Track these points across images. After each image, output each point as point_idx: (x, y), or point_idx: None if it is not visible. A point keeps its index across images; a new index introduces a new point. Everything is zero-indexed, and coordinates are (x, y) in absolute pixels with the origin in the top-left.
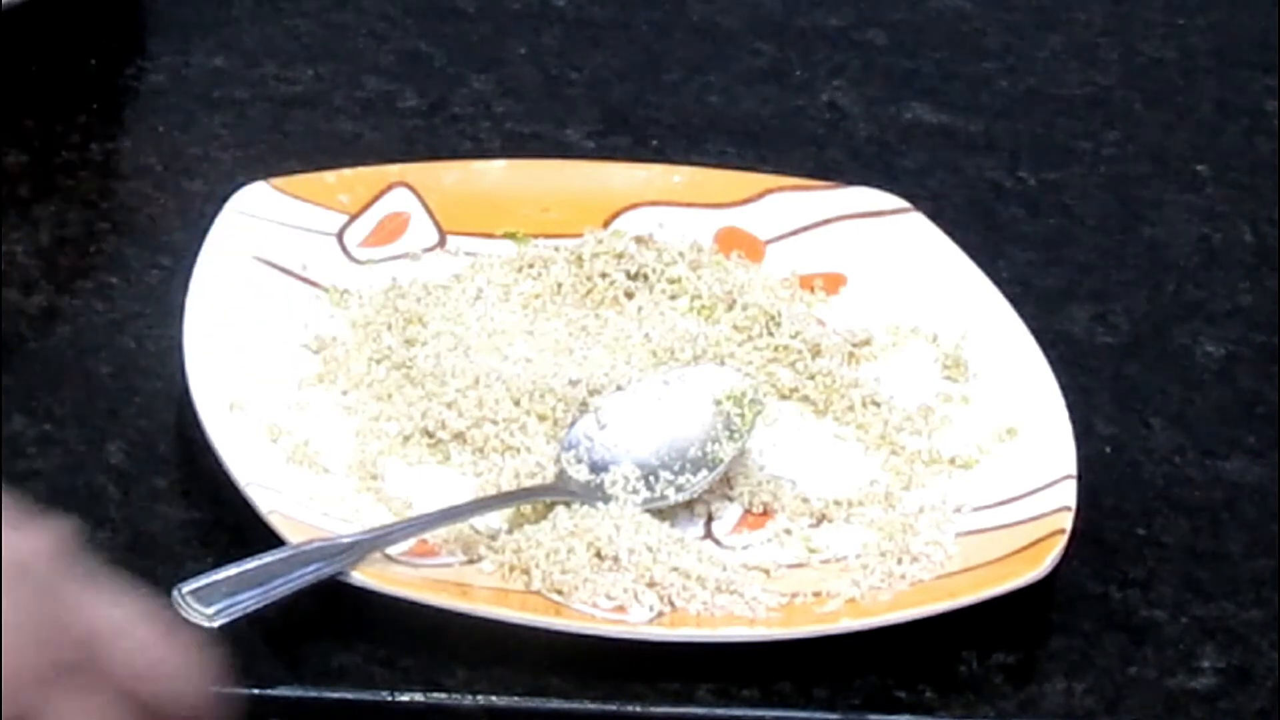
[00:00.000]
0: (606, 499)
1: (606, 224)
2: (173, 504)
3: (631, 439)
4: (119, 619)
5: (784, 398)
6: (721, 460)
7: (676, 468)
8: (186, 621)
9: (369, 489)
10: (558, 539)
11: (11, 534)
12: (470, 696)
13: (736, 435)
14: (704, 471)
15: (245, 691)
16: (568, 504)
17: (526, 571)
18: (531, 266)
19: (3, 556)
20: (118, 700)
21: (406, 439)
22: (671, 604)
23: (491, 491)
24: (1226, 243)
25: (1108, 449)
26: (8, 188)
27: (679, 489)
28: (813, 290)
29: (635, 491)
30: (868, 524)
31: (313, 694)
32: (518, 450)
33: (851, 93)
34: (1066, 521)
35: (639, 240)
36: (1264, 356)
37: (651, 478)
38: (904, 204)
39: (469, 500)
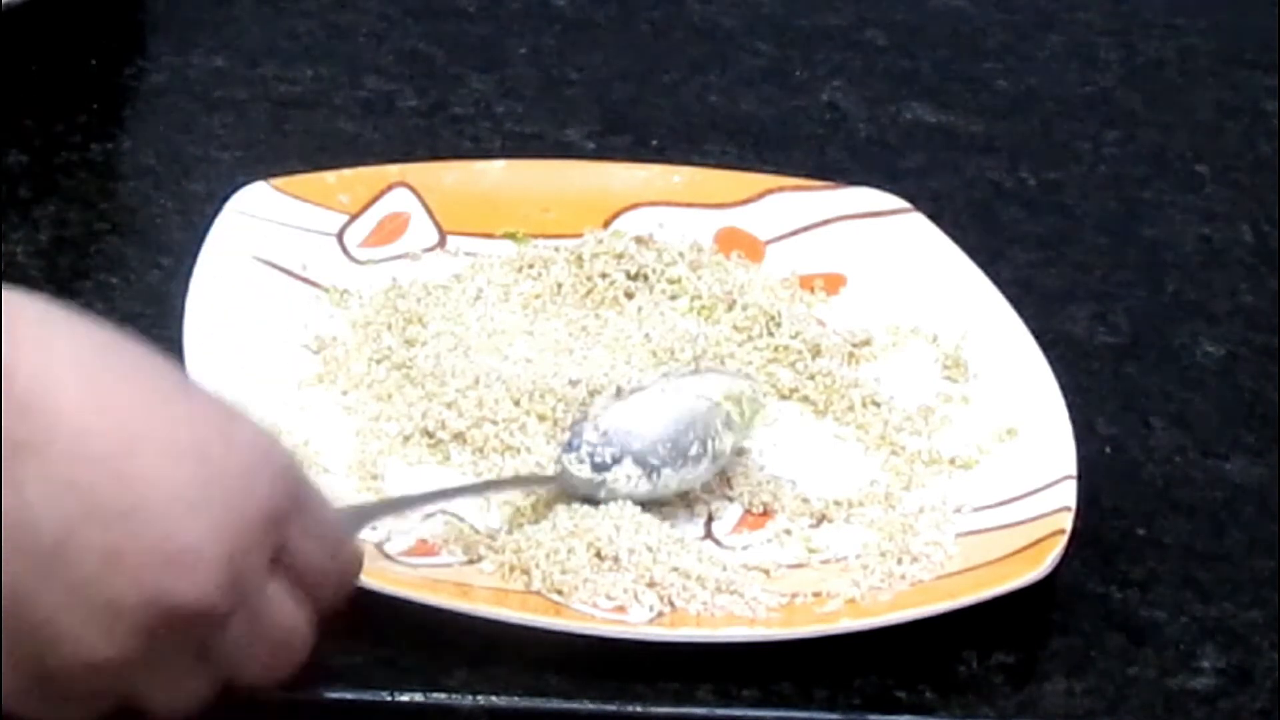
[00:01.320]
0: (608, 496)
1: (606, 224)
2: None
3: (632, 437)
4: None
5: (784, 398)
6: (722, 453)
7: (677, 464)
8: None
9: (369, 489)
10: (558, 539)
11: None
12: (470, 696)
13: (736, 430)
14: (705, 464)
15: (245, 691)
16: (568, 502)
17: (526, 571)
18: (531, 267)
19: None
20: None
21: (406, 439)
22: (671, 604)
23: (493, 492)
24: (1226, 243)
25: (1108, 449)
26: (8, 188)
27: (680, 482)
28: (813, 290)
29: (636, 487)
30: (868, 524)
31: (313, 694)
32: (518, 450)
33: (851, 93)
34: (1066, 522)
35: (639, 240)
36: (1264, 356)
37: (653, 474)
38: (904, 204)
39: (466, 484)
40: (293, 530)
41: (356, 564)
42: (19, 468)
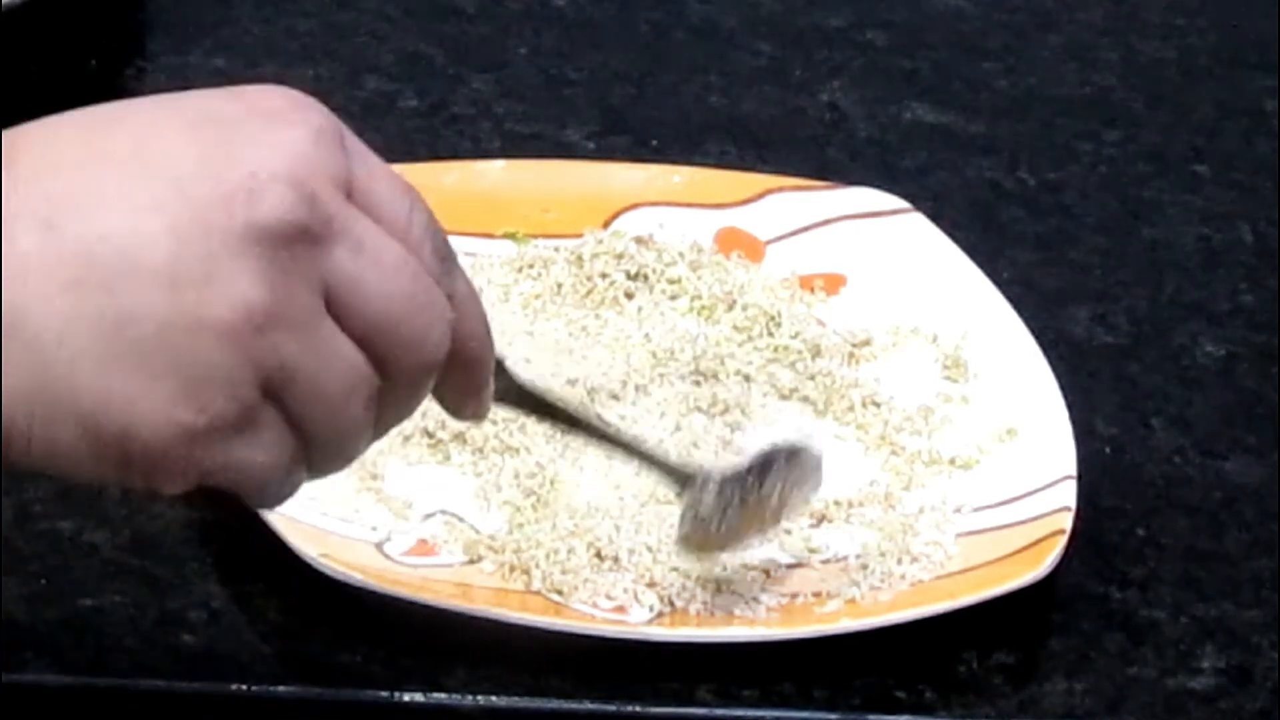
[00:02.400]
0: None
1: (606, 224)
2: (173, 504)
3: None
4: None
5: (784, 398)
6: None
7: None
8: None
9: (369, 489)
10: (558, 539)
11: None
12: (470, 696)
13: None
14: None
15: (245, 691)
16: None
17: (526, 571)
18: (531, 267)
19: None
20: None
21: (406, 439)
22: (671, 604)
23: (492, 492)
24: (1226, 243)
25: (1108, 449)
26: None
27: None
28: (813, 290)
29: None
30: (868, 524)
31: (313, 694)
32: (517, 450)
33: (851, 93)
34: (1066, 522)
35: (639, 240)
36: (1264, 356)
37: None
38: (904, 204)
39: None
40: (353, 160)
41: (438, 223)
42: (49, 216)
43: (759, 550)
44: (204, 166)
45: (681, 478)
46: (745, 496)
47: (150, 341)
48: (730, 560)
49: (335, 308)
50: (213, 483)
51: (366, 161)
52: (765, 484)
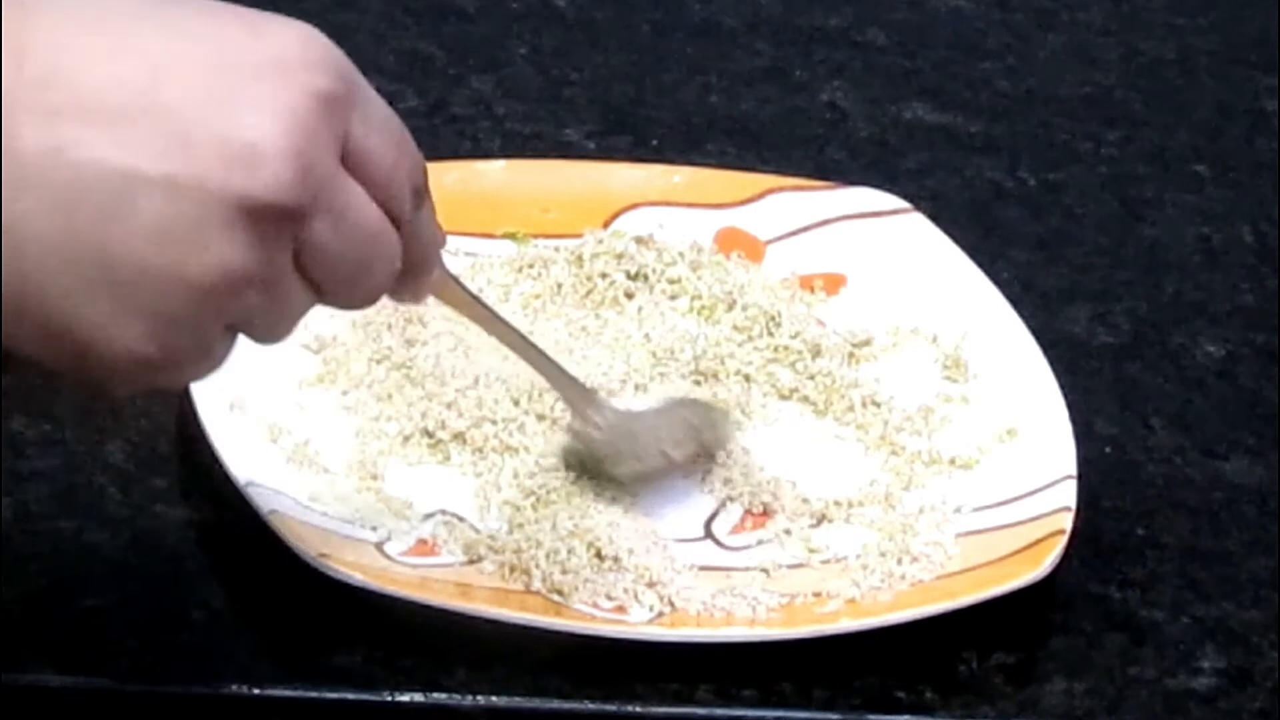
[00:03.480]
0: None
1: (606, 224)
2: (173, 504)
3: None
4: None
5: (784, 398)
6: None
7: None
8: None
9: (369, 489)
10: (558, 539)
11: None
12: (470, 696)
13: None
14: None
15: (245, 691)
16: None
17: (526, 571)
18: (531, 267)
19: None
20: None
21: (406, 439)
22: (671, 604)
23: (492, 492)
24: (1226, 243)
25: (1108, 449)
26: None
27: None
28: (813, 290)
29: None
30: (868, 524)
31: (313, 694)
32: (517, 450)
33: (851, 93)
34: (1066, 522)
35: (639, 240)
36: (1264, 356)
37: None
38: (904, 204)
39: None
40: (353, 120)
41: (421, 160)
42: (59, 132)
43: (759, 550)
44: (211, 121)
45: (582, 395)
46: (634, 427)
47: (128, 284)
48: (730, 560)
49: (301, 262)
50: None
51: (366, 114)
52: (661, 423)
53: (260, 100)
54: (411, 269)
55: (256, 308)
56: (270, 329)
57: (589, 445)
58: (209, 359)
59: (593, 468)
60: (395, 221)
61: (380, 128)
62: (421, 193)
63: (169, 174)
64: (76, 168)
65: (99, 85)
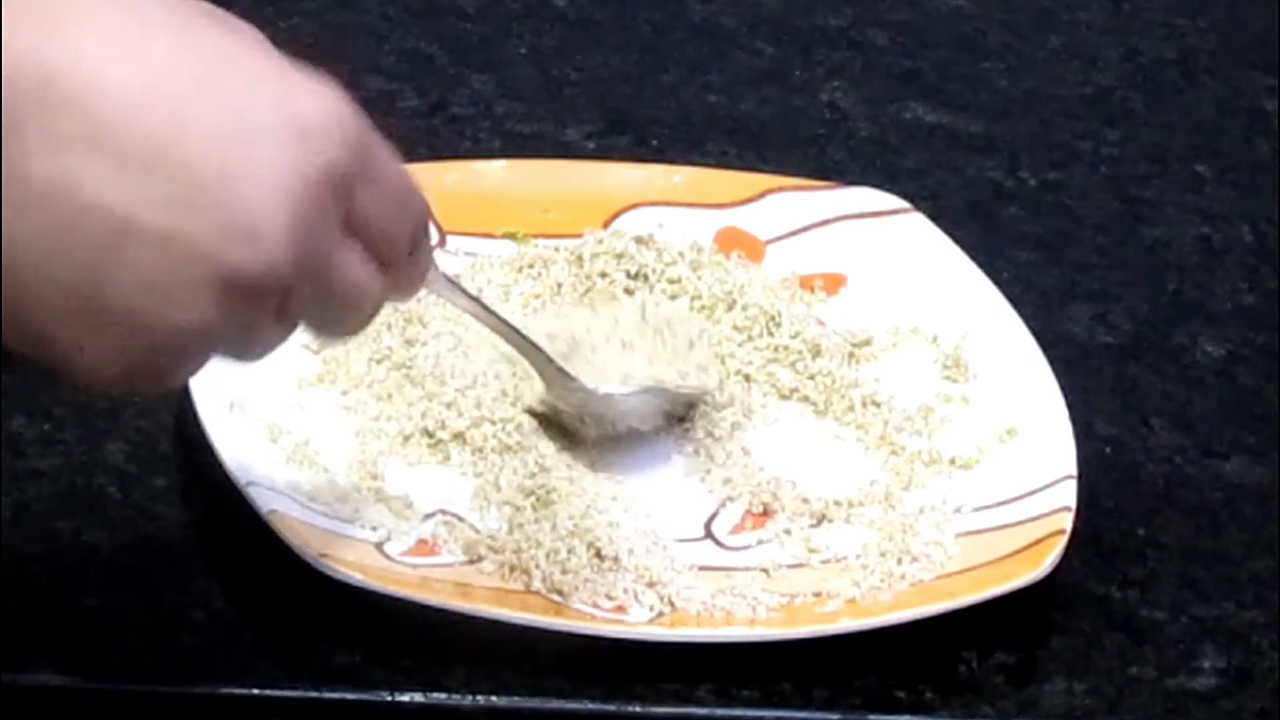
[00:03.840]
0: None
1: (606, 224)
2: (173, 504)
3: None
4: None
5: (784, 398)
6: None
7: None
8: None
9: (369, 489)
10: (558, 539)
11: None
12: (470, 696)
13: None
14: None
15: (245, 691)
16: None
17: (526, 571)
18: (531, 266)
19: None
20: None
21: (406, 439)
22: (671, 604)
23: (492, 492)
24: (1226, 243)
25: (1108, 449)
26: None
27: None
28: (813, 290)
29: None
30: (868, 524)
31: (313, 694)
32: (517, 450)
33: (851, 93)
34: (1066, 522)
35: (639, 240)
36: (1264, 356)
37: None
38: (904, 204)
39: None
40: (360, 192)
41: (426, 215)
42: (71, 161)
43: (759, 550)
44: (219, 188)
45: (559, 377)
46: (606, 413)
47: (109, 319)
48: (730, 560)
49: (284, 310)
50: None
51: (375, 181)
52: (634, 406)
53: (272, 170)
54: (398, 293)
55: (231, 347)
56: (242, 357)
57: (557, 413)
58: (184, 378)
59: (558, 426)
60: (385, 265)
61: (387, 193)
62: (420, 239)
63: (168, 231)
64: (81, 202)
65: (121, 125)
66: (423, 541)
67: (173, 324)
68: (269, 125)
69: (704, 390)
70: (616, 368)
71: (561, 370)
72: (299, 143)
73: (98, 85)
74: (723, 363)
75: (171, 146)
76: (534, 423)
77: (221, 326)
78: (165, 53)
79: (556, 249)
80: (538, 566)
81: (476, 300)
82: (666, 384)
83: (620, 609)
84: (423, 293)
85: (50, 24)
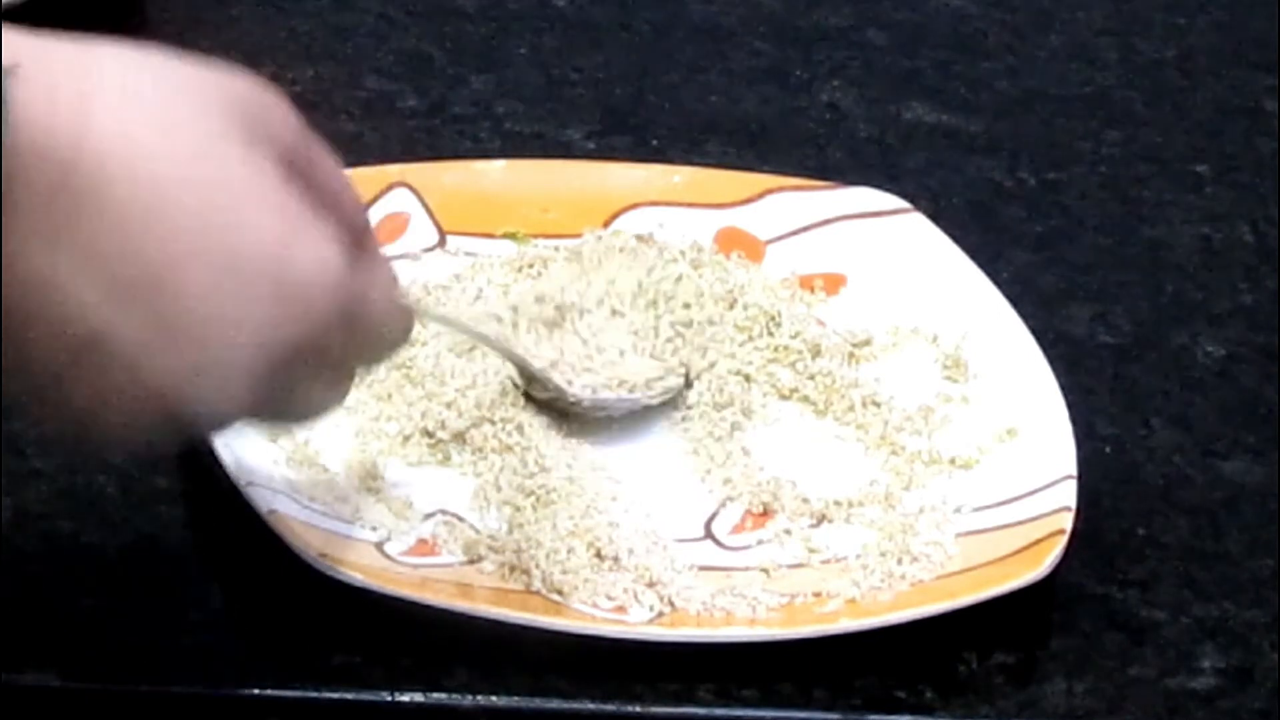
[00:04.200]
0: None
1: (606, 224)
2: (173, 504)
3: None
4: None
5: (784, 398)
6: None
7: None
8: None
9: (369, 489)
10: (558, 539)
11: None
12: (470, 696)
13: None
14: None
15: (245, 691)
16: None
17: (526, 571)
18: (531, 266)
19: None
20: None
21: (406, 439)
22: (671, 604)
23: (492, 492)
24: (1226, 243)
25: (1108, 449)
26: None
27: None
28: (813, 290)
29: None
30: (868, 524)
31: (313, 694)
32: (517, 450)
33: (851, 93)
34: (1066, 522)
35: (639, 239)
36: (1264, 356)
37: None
38: (904, 204)
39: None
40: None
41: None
42: (61, 261)
43: (759, 550)
44: (189, 334)
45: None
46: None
47: (54, 408)
48: (730, 560)
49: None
50: None
51: (364, 326)
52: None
53: (251, 333)
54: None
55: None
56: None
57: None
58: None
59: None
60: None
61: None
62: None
63: (131, 362)
64: (58, 302)
65: (120, 243)
66: (423, 541)
67: (119, 434)
68: (259, 283)
69: (672, 392)
70: (606, 335)
71: (538, 374)
72: (285, 307)
73: (111, 195)
74: (720, 361)
75: (162, 278)
76: (534, 422)
77: (268, 396)
78: (177, 171)
79: (556, 249)
80: (538, 566)
81: (445, 317)
82: (636, 394)
83: (620, 609)
84: (424, 294)
85: (81, 106)
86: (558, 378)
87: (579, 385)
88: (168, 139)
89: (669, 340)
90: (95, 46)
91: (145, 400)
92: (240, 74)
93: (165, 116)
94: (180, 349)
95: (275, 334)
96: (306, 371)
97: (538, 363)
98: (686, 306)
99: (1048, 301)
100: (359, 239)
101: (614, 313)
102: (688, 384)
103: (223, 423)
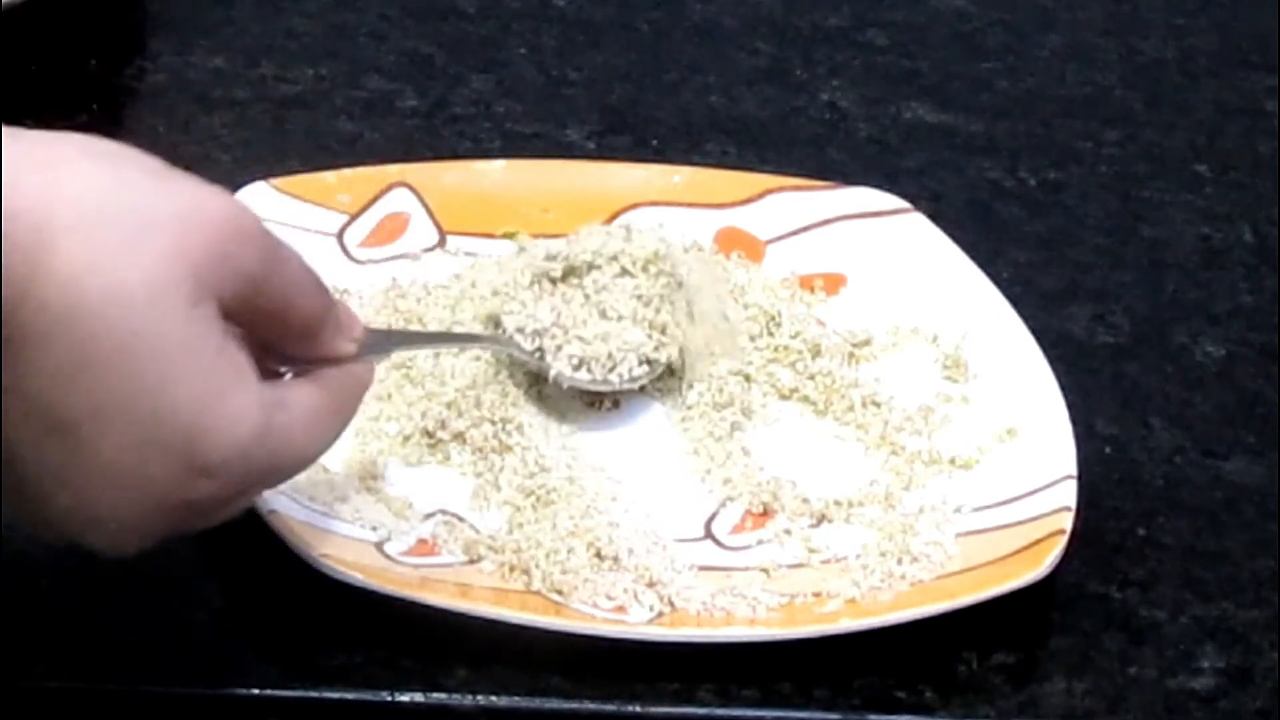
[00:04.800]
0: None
1: (606, 224)
2: None
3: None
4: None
5: (784, 398)
6: (659, 362)
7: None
8: None
9: (369, 489)
10: (558, 539)
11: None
12: (470, 696)
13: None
14: (644, 368)
15: (245, 691)
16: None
17: (526, 571)
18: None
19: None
20: None
21: (406, 439)
22: (671, 604)
23: (492, 492)
24: (1226, 243)
25: (1108, 449)
26: None
27: (620, 379)
28: (813, 290)
29: (576, 369)
30: (868, 524)
31: (313, 694)
32: (517, 450)
33: (851, 93)
34: (1066, 522)
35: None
36: (1264, 356)
37: (592, 363)
38: (904, 204)
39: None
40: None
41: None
42: (11, 450)
43: (759, 550)
44: (101, 472)
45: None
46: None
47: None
48: (730, 560)
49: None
50: None
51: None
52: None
53: (150, 490)
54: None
55: None
56: None
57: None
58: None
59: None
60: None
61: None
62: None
63: (24, 507)
64: (18, 473)
65: (43, 393)
66: (423, 541)
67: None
68: (171, 452)
69: (653, 374)
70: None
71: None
72: (192, 478)
73: (48, 340)
74: (721, 361)
75: (80, 427)
76: (534, 422)
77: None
78: (117, 327)
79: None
80: (538, 566)
81: (417, 333)
82: (613, 375)
83: (620, 609)
84: (424, 294)
85: (36, 244)
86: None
87: (562, 359)
88: (116, 290)
89: (670, 315)
90: (65, 164)
91: (46, 527)
92: (213, 195)
93: (119, 261)
94: (84, 495)
95: (180, 497)
96: (209, 519)
97: (522, 338)
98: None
99: (1048, 301)
100: (314, 329)
101: (624, 272)
102: (671, 371)
103: (122, 553)
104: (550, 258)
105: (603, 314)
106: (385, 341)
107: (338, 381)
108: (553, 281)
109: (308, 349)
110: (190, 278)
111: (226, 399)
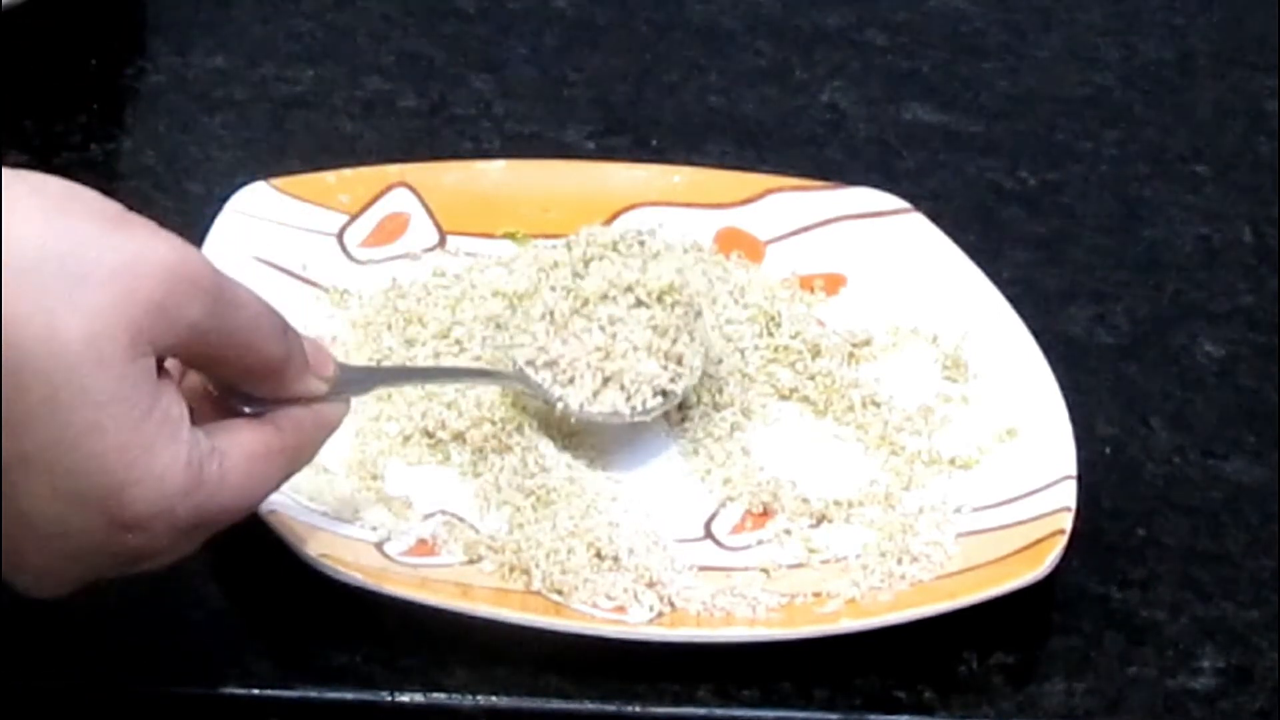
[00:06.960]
0: (557, 400)
1: (606, 224)
2: None
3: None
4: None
5: (784, 398)
6: (674, 394)
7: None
8: None
9: (369, 489)
10: (558, 539)
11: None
12: (470, 696)
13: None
14: (659, 399)
15: (245, 691)
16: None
17: (526, 571)
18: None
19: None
20: None
21: (406, 439)
22: (671, 604)
23: (492, 492)
24: (1226, 243)
25: (1108, 449)
26: None
27: (633, 411)
28: (813, 290)
29: (589, 403)
30: (868, 524)
31: (313, 694)
32: (517, 450)
33: (851, 93)
34: (1066, 522)
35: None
36: (1264, 356)
37: (605, 396)
38: (904, 204)
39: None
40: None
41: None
42: None
43: (759, 550)
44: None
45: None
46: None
47: None
48: (730, 560)
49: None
50: None
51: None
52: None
53: (79, 554)
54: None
55: None
56: None
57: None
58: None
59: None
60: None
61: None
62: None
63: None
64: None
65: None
66: (423, 541)
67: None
68: (92, 509)
69: (666, 406)
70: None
71: (528, 387)
72: (114, 534)
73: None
74: (721, 362)
75: (8, 472)
76: (534, 423)
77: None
78: (51, 378)
79: (556, 249)
80: (538, 566)
81: (408, 369)
82: (624, 408)
83: (620, 609)
84: (424, 294)
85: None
86: (552, 386)
87: (571, 394)
88: (49, 340)
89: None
90: (12, 203)
91: None
92: (159, 244)
93: (55, 311)
94: (9, 541)
95: (105, 549)
96: (145, 566)
97: (533, 371)
98: (714, 303)
99: (1048, 301)
100: (276, 371)
101: (639, 303)
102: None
103: (53, 596)
104: (556, 265)
105: (616, 346)
106: (368, 379)
107: (295, 421)
108: (564, 314)
109: (272, 389)
110: (127, 331)
111: (153, 454)
